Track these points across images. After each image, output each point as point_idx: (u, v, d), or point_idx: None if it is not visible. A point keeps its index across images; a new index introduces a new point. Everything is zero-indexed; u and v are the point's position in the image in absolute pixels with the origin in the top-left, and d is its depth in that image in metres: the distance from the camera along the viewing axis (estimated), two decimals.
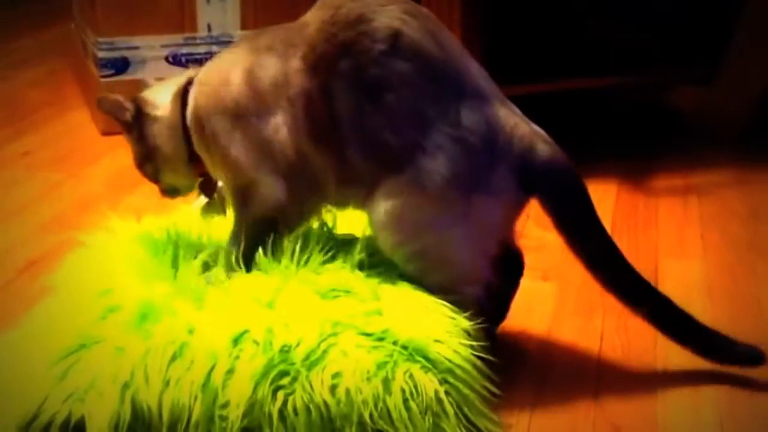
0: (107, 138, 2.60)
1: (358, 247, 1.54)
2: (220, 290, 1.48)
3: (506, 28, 2.50)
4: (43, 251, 1.98)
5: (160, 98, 1.60)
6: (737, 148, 2.50)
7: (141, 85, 1.69)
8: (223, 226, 1.65)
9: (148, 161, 1.63)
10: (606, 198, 2.21)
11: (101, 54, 2.56)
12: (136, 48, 2.57)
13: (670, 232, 2.07)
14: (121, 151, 2.49)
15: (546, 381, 1.56)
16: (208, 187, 1.69)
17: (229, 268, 1.52)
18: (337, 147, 1.46)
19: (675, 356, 1.59)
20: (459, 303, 1.47)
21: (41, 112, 2.85)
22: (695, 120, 2.66)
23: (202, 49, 2.60)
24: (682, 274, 1.89)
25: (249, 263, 1.51)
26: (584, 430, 1.44)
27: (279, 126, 1.49)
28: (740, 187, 2.29)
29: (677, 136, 2.60)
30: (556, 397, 1.52)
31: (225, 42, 2.58)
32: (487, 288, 1.52)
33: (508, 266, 1.57)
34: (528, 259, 1.76)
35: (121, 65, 2.57)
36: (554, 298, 1.77)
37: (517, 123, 1.48)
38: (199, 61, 2.56)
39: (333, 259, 1.53)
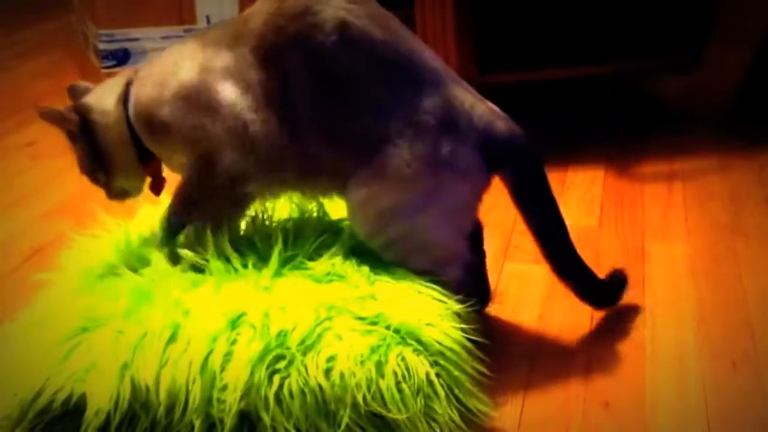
0: None
1: (349, 233, 1.55)
2: (217, 274, 1.48)
3: (494, 18, 2.51)
4: (48, 239, 2.01)
5: (106, 103, 1.55)
6: (719, 134, 2.52)
7: (75, 89, 1.64)
8: None
9: (100, 169, 1.58)
10: (594, 184, 2.25)
11: (102, 45, 2.55)
12: (136, 39, 2.56)
13: (656, 216, 2.10)
14: None
15: (538, 360, 1.59)
16: (156, 188, 1.66)
17: (191, 246, 1.50)
18: (298, 139, 1.44)
19: (662, 335, 1.64)
20: (442, 284, 1.49)
21: (44, 103, 2.71)
22: (678, 107, 2.67)
23: None
24: (668, 255, 1.92)
25: (204, 237, 1.49)
26: (575, 407, 1.47)
27: (239, 104, 1.44)
28: (722, 171, 2.31)
29: (661, 123, 2.62)
30: (548, 376, 1.55)
31: None
32: (466, 266, 1.54)
33: (470, 239, 1.57)
34: (520, 243, 1.80)
35: (122, 56, 2.58)
36: (545, 280, 1.78)
37: (474, 102, 1.48)
38: None
39: (326, 245, 1.54)
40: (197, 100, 1.46)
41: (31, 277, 1.61)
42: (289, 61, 1.42)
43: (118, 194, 1.64)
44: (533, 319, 1.71)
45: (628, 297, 1.73)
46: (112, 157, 1.57)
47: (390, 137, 1.43)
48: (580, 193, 2.20)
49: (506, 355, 1.58)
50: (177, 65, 1.49)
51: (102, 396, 1.31)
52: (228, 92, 1.45)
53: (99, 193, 2.17)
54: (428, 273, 1.50)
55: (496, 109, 1.51)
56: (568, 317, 1.71)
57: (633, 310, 1.72)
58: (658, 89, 2.81)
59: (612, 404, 1.48)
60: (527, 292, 1.79)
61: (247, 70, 1.44)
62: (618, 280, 1.69)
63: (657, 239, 2.00)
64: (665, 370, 1.56)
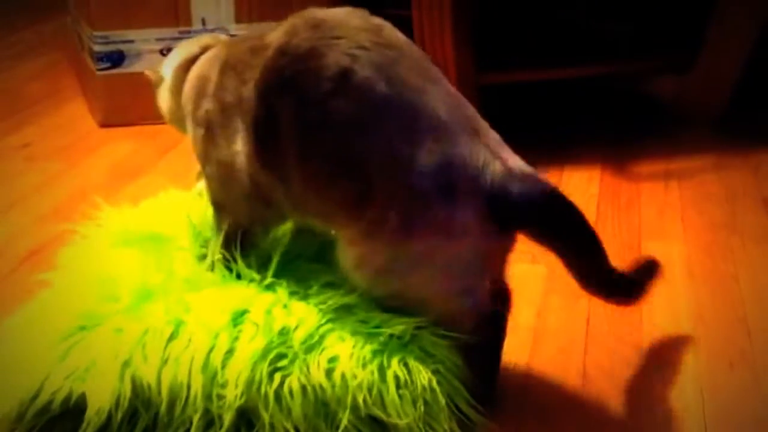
0: (105, 130, 2.62)
1: None
2: (217, 273, 1.50)
3: (492, 18, 2.51)
4: (44, 241, 1.99)
5: (170, 61, 1.67)
6: (714, 133, 2.54)
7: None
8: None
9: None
10: (591, 183, 2.25)
11: (97, 48, 2.55)
12: (131, 42, 2.55)
13: (652, 215, 2.11)
14: (118, 142, 2.55)
15: (535, 359, 1.60)
16: None
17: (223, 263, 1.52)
18: (285, 179, 1.40)
19: (659, 335, 1.64)
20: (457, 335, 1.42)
21: (40, 104, 2.85)
22: (674, 107, 2.68)
23: None
24: (664, 254, 1.86)
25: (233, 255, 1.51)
26: (572, 407, 1.48)
27: (238, 149, 1.44)
28: (717, 171, 2.32)
29: (657, 123, 2.63)
30: (545, 375, 1.55)
31: None
32: (479, 321, 1.44)
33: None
34: (518, 243, 1.81)
35: (116, 58, 2.56)
36: (543, 280, 1.79)
37: (486, 160, 1.33)
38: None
39: (328, 248, 1.51)
40: (215, 137, 1.48)
41: (27, 279, 1.61)
42: (281, 103, 1.36)
43: None
44: (530, 318, 1.71)
45: None
46: (162, 110, 1.70)
47: (381, 196, 1.33)
48: (576, 193, 2.20)
49: (505, 352, 1.57)
50: (205, 84, 1.52)
51: (103, 395, 1.31)
52: (235, 138, 1.45)
53: (95, 195, 2.18)
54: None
55: (517, 165, 1.36)
56: (565, 317, 1.71)
57: (629, 310, 1.71)
58: (653, 89, 2.82)
59: (609, 404, 1.48)
60: (524, 291, 1.77)
61: (247, 109, 1.41)
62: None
63: (654, 238, 2.01)
64: (662, 368, 1.57)
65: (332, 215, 1.40)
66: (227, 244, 1.52)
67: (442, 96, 1.36)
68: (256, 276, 1.48)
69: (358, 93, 1.32)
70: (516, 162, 1.36)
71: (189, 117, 1.56)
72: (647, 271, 1.52)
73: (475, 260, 1.38)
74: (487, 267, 1.43)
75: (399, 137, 1.32)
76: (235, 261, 1.50)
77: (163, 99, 1.68)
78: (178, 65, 1.64)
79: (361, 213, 1.35)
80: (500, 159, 1.34)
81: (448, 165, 1.32)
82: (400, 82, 1.33)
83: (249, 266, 1.49)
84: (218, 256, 1.52)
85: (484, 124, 1.39)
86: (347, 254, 1.40)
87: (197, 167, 1.84)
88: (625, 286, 1.47)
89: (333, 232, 1.45)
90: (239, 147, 1.44)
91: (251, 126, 1.40)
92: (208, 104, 1.48)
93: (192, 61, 1.60)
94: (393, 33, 1.40)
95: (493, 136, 1.38)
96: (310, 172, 1.37)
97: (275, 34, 1.41)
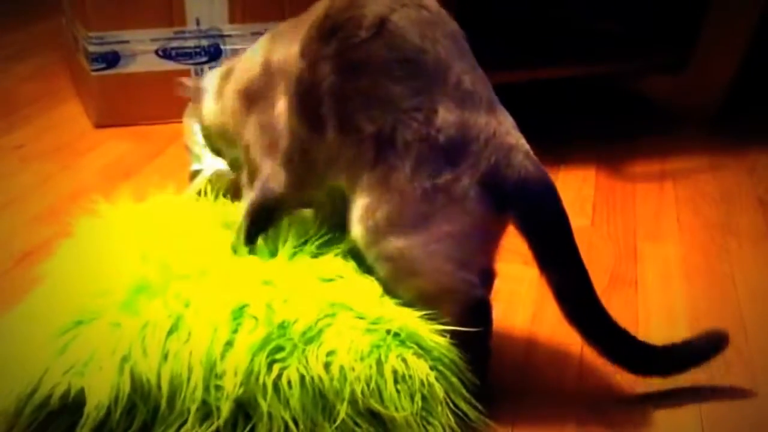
0: (100, 130, 2.61)
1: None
2: (218, 267, 1.50)
3: (482, 18, 2.52)
4: (38, 242, 1.98)
5: (212, 73, 1.75)
6: (709, 133, 2.55)
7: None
8: (208, 211, 1.72)
9: None
10: (586, 183, 2.25)
11: (92, 48, 2.55)
12: (126, 42, 2.55)
13: (648, 216, 2.11)
14: (113, 143, 2.54)
15: (531, 361, 1.60)
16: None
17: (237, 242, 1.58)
18: (320, 128, 1.45)
19: (655, 334, 1.63)
20: (442, 319, 1.42)
21: (35, 105, 2.83)
22: (668, 107, 2.69)
23: (191, 43, 2.59)
24: (660, 255, 1.93)
25: (249, 240, 1.57)
26: (568, 408, 1.48)
27: (280, 110, 1.51)
28: (712, 171, 2.32)
29: (652, 123, 2.63)
30: (541, 377, 1.55)
31: (214, 36, 2.58)
32: (469, 303, 1.45)
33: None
34: (510, 244, 1.79)
35: (111, 59, 2.56)
36: (537, 282, 1.72)
37: (496, 133, 1.40)
38: (189, 55, 2.60)
39: (327, 246, 1.55)
40: (256, 104, 1.57)
41: (22, 280, 1.60)
42: (323, 51, 1.43)
43: None
44: (526, 320, 1.71)
45: (621, 297, 1.73)
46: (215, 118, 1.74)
47: (397, 146, 1.40)
48: (572, 193, 2.20)
49: (499, 355, 1.56)
50: (252, 59, 1.61)
51: (101, 389, 1.31)
52: (277, 101, 1.52)
53: (89, 195, 2.17)
54: (423, 301, 1.43)
55: (523, 146, 1.42)
56: (560, 319, 1.69)
57: (625, 310, 1.72)
58: (648, 89, 2.82)
59: (605, 405, 1.48)
60: (519, 293, 1.78)
61: (293, 64, 1.48)
62: (691, 347, 1.51)
63: (649, 239, 2.01)
64: None
65: (358, 161, 1.44)
66: (250, 215, 1.58)
67: (469, 69, 1.43)
68: (257, 267, 1.50)
69: (392, 38, 1.40)
70: (524, 144, 1.43)
71: (231, 93, 1.63)
72: (699, 346, 1.50)
73: (471, 232, 1.42)
74: (482, 245, 1.46)
75: (425, 90, 1.40)
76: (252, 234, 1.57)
77: (207, 108, 1.71)
78: (220, 73, 1.70)
79: (381, 157, 1.41)
80: (510, 135, 1.42)
81: (463, 127, 1.39)
82: (433, 41, 1.41)
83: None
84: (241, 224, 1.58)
85: (501, 107, 1.45)
86: (356, 205, 1.45)
87: (191, 167, 1.85)
88: (628, 346, 1.48)
89: (352, 192, 1.48)
90: (281, 107, 1.51)
91: (295, 81, 1.47)
92: (252, 74, 1.58)
93: (232, 69, 1.67)
94: (434, 2, 1.47)
95: (509, 119, 1.45)
96: (344, 113, 1.43)
97: (323, 2, 1.49)
